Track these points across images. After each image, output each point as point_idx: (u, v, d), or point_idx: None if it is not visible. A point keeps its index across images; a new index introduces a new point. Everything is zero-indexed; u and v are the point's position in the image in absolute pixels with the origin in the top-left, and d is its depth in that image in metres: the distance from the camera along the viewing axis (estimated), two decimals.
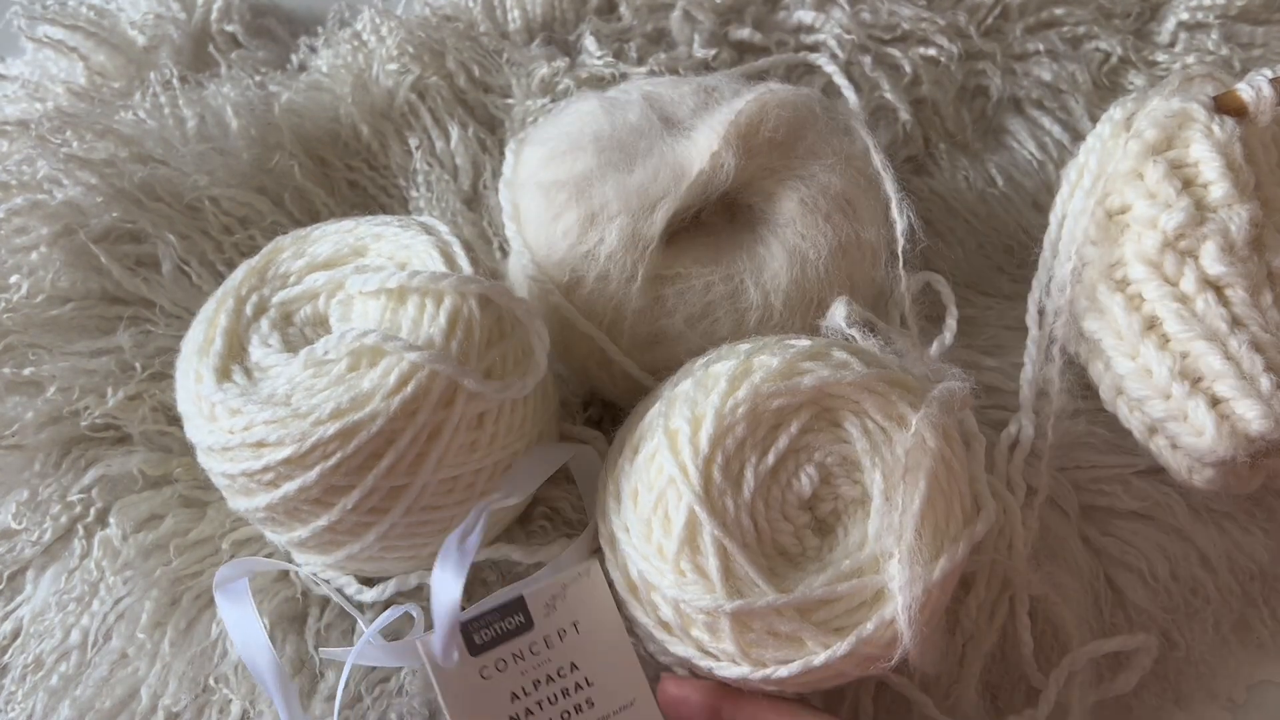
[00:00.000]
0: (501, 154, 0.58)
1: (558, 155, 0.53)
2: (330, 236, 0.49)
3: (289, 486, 0.44)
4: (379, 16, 0.65)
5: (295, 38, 0.68)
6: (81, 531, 0.53)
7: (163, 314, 0.57)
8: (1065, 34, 0.67)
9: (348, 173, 0.64)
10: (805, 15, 0.66)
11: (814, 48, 0.66)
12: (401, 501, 0.45)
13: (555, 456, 0.51)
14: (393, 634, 0.49)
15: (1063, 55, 0.67)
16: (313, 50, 0.67)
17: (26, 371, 0.54)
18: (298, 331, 0.48)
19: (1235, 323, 0.49)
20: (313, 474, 0.43)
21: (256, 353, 0.46)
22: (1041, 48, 0.67)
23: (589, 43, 0.66)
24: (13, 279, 0.56)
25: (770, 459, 0.44)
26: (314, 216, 0.62)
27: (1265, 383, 0.47)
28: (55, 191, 0.57)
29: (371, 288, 0.46)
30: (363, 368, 0.44)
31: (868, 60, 0.65)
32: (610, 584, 0.47)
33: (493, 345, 0.46)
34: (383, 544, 0.46)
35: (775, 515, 0.45)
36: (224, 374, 0.46)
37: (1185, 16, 0.67)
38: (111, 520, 0.53)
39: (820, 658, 0.43)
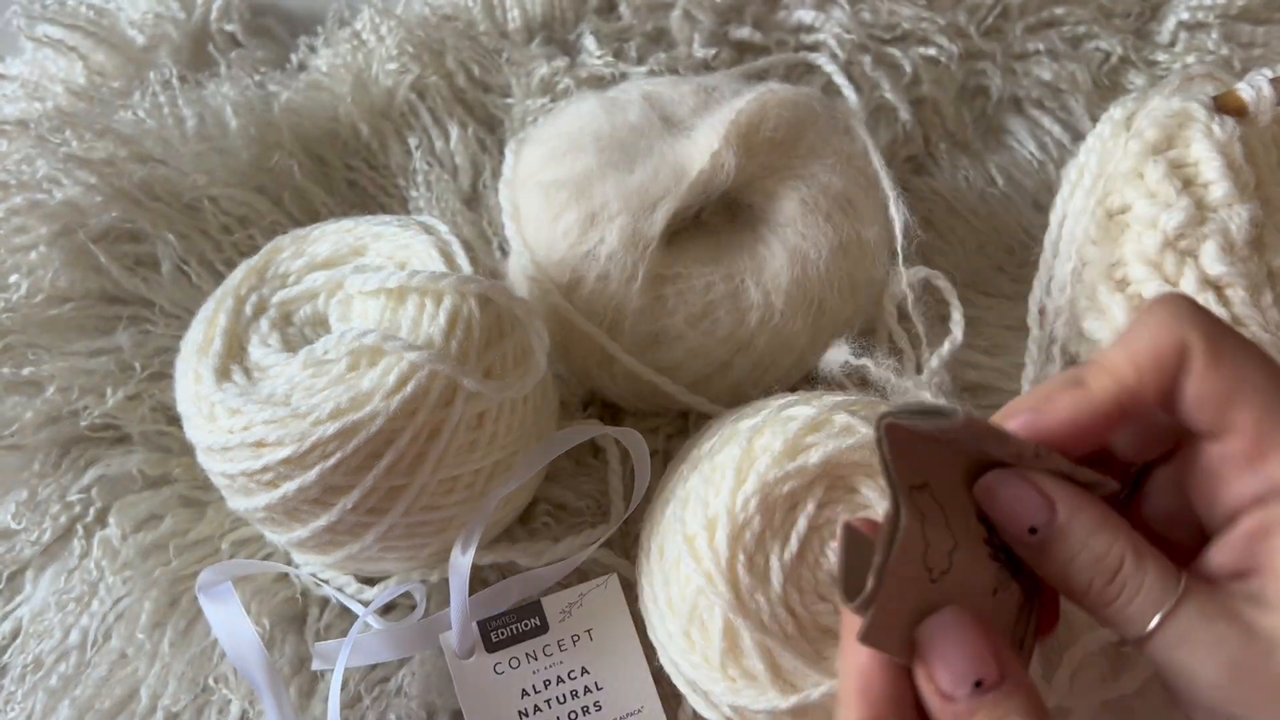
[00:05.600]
0: (501, 153, 0.58)
1: (558, 155, 0.53)
2: (329, 236, 0.49)
3: (288, 486, 0.44)
4: (378, 16, 0.65)
5: (294, 37, 0.68)
6: (81, 531, 0.53)
7: (162, 314, 0.57)
8: (1065, 33, 0.67)
9: (347, 172, 0.64)
10: (805, 15, 0.66)
11: (814, 47, 0.66)
12: (401, 501, 0.45)
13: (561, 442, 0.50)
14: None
15: (1063, 55, 0.66)
16: (312, 49, 0.67)
17: (26, 371, 0.54)
18: (297, 331, 0.48)
19: (1235, 323, 0.48)
20: (312, 474, 0.43)
21: (256, 352, 0.46)
22: (1042, 47, 0.67)
23: (589, 42, 0.65)
24: (12, 278, 0.56)
25: (793, 543, 0.43)
26: (313, 216, 0.62)
27: None
28: (54, 191, 0.57)
29: (371, 287, 0.46)
30: (362, 367, 0.44)
31: (868, 60, 0.65)
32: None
33: (492, 345, 0.46)
34: (382, 544, 0.46)
35: (810, 599, 0.43)
36: (223, 374, 0.46)
37: (1185, 16, 0.67)
38: (111, 520, 0.53)
39: None
